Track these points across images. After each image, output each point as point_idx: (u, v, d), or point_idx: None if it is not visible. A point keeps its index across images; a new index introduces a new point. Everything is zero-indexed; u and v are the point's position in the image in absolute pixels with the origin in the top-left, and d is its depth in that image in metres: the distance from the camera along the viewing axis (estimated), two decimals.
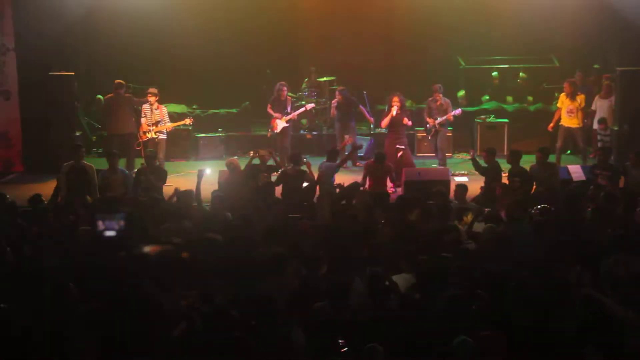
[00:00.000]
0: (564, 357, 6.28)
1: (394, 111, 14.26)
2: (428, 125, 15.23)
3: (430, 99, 15.28)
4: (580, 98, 15.04)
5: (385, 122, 14.46)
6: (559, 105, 15.33)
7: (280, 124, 15.37)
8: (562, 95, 15.30)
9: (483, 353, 6.19)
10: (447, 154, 15.56)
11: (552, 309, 6.71)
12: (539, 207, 9.82)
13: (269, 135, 15.84)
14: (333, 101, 15.89)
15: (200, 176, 11.01)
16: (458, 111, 15.22)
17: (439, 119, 15.00)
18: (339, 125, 15.96)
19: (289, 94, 16.09)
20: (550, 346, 6.32)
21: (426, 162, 15.75)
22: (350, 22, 18.53)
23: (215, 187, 12.42)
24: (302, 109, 15.92)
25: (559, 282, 7.28)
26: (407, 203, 10.38)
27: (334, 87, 17.44)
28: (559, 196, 10.69)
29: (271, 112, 15.49)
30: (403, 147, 14.23)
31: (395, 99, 14.36)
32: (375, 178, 12.82)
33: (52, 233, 9.39)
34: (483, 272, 7.69)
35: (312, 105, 16.60)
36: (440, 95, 15.12)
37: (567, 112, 15.06)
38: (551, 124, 15.34)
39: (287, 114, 15.42)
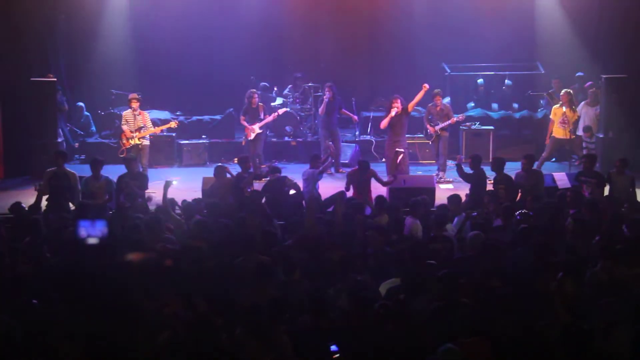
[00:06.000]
0: None
1: (393, 112, 14.12)
2: (429, 132, 15.21)
3: (430, 104, 15.28)
4: (574, 111, 15.27)
5: (384, 123, 14.35)
6: (552, 117, 15.38)
7: (254, 131, 15.30)
8: (556, 107, 15.34)
9: None
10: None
11: (535, 316, 6.69)
12: (518, 212, 9.83)
13: (243, 143, 15.74)
14: (325, 97, 15.75)
15: (167, 187, 10.88)
16: (461, 117, 15.28)
17: (440, 125, 14.98)
18: (323, 132, 15.89)
19: (277, 97, 16.05)
20: (533, 353, 6.29)
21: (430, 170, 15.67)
22: (335, 28, 18.51)
23: (198, 194, 12.33)
24: (275, 114, 15.77)
25: (542, 289, 7.28)
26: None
27: (318, 93, 17.36)
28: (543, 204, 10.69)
29: (244, 123, 15.39)
30: (402, 150, 14.08)
31: (397, 101, 14.22)
32: (358, 186, 12.67)
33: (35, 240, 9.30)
34: (468, 279, 7.66)
35: (285, 109, 16.51)
36: (440, 99, 15.15)
37: (560, 122, 15.13)
38: (547, 139, 15.38)
39: (261, 120, 15.35)
